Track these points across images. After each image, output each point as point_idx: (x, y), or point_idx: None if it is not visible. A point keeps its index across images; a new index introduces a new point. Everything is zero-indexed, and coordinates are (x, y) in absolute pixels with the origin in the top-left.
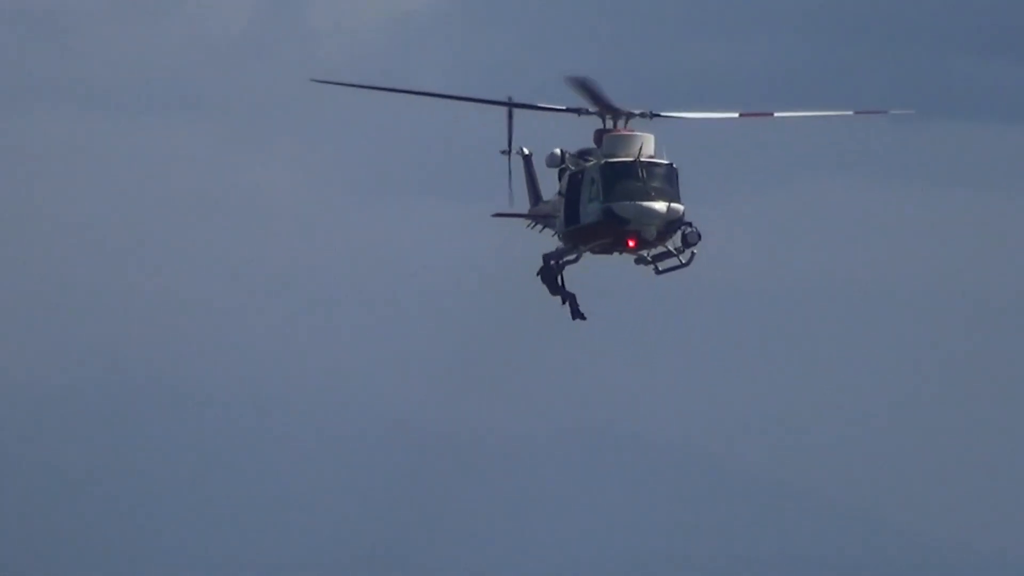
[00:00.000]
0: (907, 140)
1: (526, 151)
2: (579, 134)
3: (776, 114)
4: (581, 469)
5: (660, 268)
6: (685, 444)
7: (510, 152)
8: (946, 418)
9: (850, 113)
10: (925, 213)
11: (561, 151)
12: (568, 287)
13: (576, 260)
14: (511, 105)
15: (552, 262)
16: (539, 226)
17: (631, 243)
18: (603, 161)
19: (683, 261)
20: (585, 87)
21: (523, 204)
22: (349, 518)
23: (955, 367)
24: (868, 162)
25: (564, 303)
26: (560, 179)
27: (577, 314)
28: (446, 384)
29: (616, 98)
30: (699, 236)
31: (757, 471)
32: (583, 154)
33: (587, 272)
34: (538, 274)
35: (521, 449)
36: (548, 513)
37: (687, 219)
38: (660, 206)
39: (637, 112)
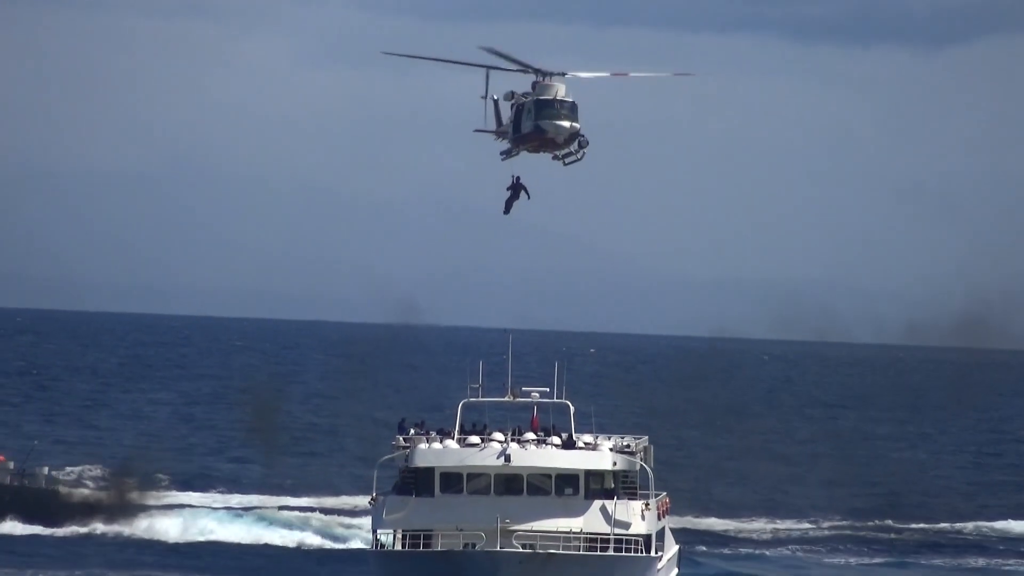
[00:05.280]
0: None
1: (495, 96)
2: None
3: (631, 74)
4: None
5: (566, 162)
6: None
7: (487, 97)
8: None
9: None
10: None
11: (512, 92)
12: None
13: (517, 155)
14: (488, 68)
15: (503, 157)
16: (498, 137)
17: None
18: (536, 98)
19: (579, 157)
20: (506, 55)
21: (492, 125)
22: None
23: None
24: None
25: (509, 195)
26: (511, 109)
27: (508, 210)
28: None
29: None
30: (588, 142)
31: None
32: (526, 94)
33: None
34: (508, 188)
35: None
36: None
37: (582, 132)
38: (566, 123)
39: (556, 71)
